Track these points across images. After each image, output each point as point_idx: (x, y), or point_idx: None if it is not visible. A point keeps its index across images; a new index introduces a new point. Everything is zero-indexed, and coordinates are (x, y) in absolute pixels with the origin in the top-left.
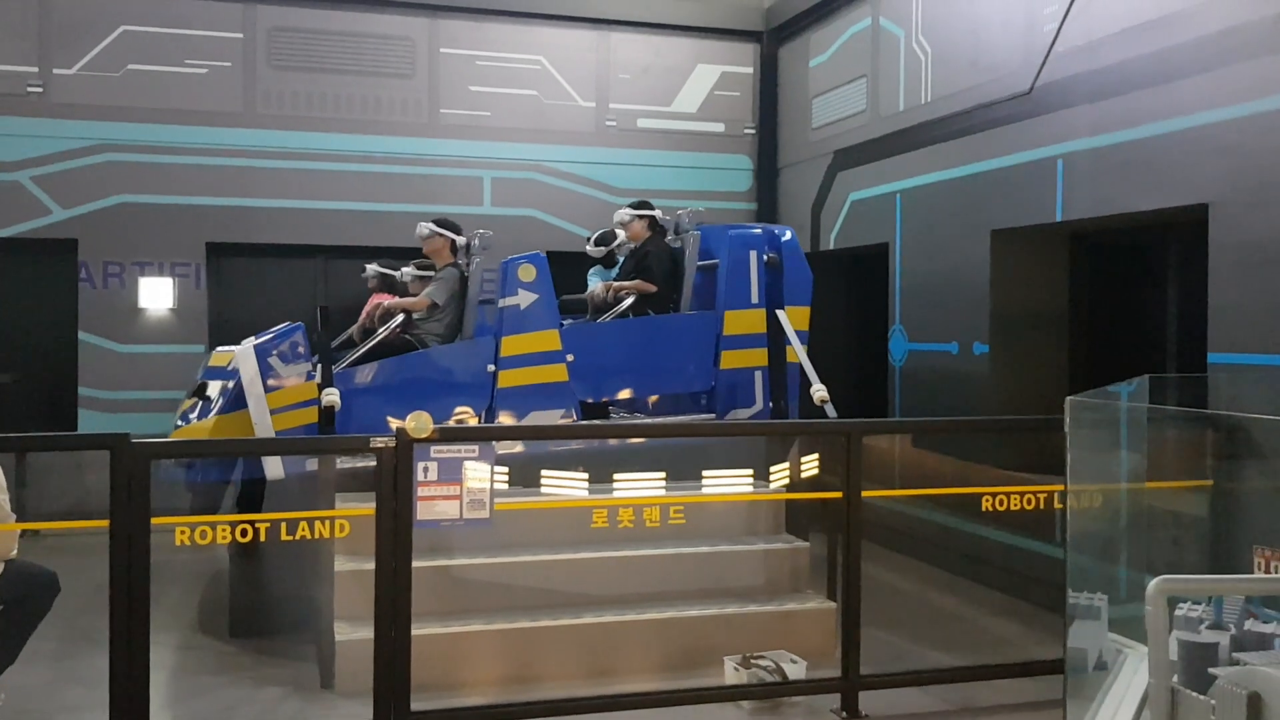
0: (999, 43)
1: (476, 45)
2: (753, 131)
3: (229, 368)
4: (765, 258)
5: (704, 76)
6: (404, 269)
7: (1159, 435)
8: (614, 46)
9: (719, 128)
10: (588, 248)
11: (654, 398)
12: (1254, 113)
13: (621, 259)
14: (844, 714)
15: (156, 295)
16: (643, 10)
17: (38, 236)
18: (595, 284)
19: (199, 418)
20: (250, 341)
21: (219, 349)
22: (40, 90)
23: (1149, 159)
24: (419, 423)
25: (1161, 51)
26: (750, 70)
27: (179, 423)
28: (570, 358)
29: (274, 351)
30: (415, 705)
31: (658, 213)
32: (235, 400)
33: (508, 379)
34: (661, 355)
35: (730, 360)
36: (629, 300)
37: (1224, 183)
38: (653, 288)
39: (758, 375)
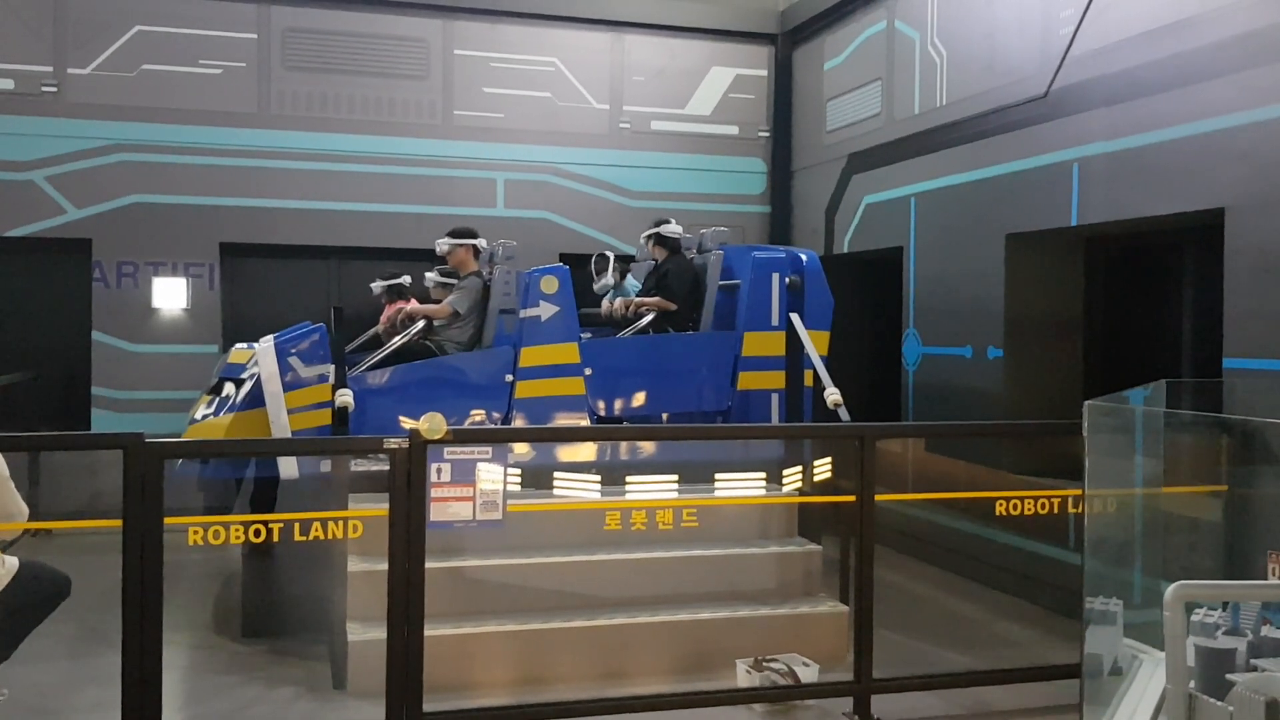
0: (1015, 46)
1: (490, 47)
2: (767, 134)
3: (248, 364)
4: (787, 280)
5: (718, 79)
6: (428, 275)
7: (1175, 440)
8: (628, 49)
9: (733, 130)
10: (596, 286)
11: (666, 416)
12: (1271, 118)
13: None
14: (856, 717)
15: (170, 295)
16: (657, 12)
17: (52, 236)
18: (615, 299)
19: (215, 414)
20: (271, 338)
21: (238, 346)
22: (55, 90)
23: (1165, 163)
24: (432, 424)
25: (1178, 55)
26: (765, 73)
27: (197, 417)
28: (588, 371)
29: (294, 350)
30: (428, 706)
31: (662, 229)
32: (253, 397)
33: (525, 389)
34: (679, 373)
35: (748, 381)
36: (649, 317)
37: (1240, 187)
38: (672, 306)
39: (775, 398)
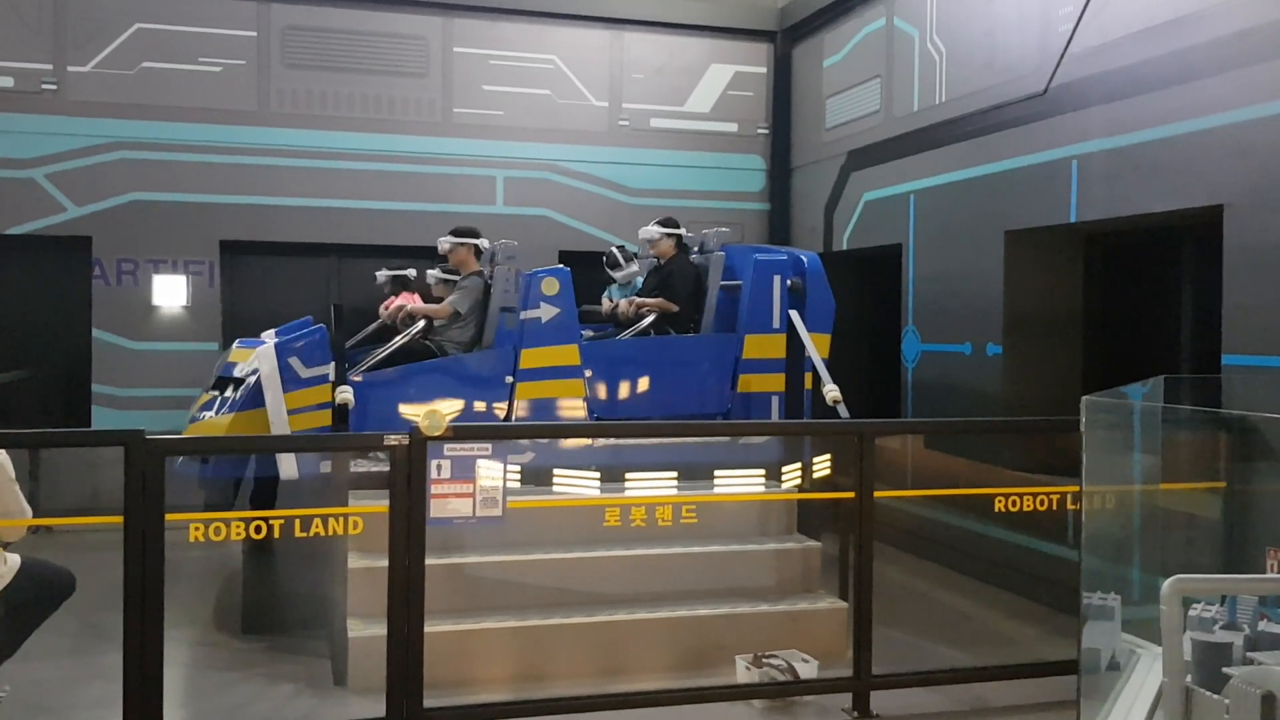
0: (1014, 43)
1: (490, 44)
2: (766, 131)
3: (249, 363)
4: (789, 283)
5: (717, 76)
6: (430, 272)
7: (1173, 436)
8: (627, 46)
9: (732, 128)
10: (612, 271)
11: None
12: (1269, 114)
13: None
14: (855, 713)
15: (170, 293)
16: (656, 10)
17: (52, 234)
18: (618, 297)
19: (216, 413)
20: (271, 338)
21: (239, 344)
22: (55, 88)
23: (1164, 160)
24: (433, 420)
25: (1177, 52)
26: (764, 70)
27: (198, 415)
28: (588, 373)
29: (294, 350)
30: (428, 702)
31: (683, 231)
32: (253, 397)
33: (525, 391)
34: (679, 375)
35: (748, 384)
36: (650, 318)
37: (1239, 184)
38: (674, 307)
39: (774, 400)
